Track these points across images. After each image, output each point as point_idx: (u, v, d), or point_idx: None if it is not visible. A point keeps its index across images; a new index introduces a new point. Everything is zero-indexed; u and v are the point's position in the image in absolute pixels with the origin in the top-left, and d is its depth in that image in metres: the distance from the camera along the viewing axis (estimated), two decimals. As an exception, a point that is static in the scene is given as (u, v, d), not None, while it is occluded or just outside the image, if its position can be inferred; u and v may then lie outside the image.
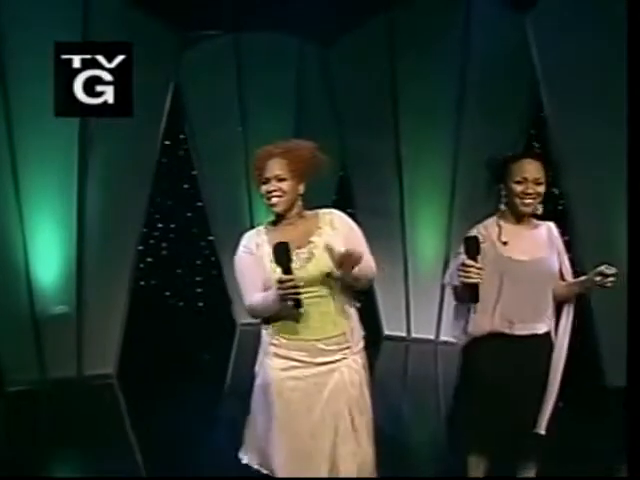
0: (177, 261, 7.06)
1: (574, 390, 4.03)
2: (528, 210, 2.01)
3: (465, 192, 5.00)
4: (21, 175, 3.97)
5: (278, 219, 1.88)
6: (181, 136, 6.32)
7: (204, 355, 5.42)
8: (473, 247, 1.87)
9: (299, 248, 1.80)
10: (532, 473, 2.23)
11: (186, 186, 6.78)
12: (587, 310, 4.16)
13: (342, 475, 1.77)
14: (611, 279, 1.89)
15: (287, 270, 1.71)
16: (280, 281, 1.70)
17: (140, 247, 4.94)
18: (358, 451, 1.80)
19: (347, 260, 1.69)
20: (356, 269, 1.73)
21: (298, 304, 1.73)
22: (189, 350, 5.52)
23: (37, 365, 4.17)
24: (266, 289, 1.78)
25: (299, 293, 1.71)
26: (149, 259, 6.65)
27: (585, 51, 3.80)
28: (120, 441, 3.40)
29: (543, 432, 2.08)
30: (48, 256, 4.11)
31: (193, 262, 7.06)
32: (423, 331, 5.33)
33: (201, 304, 7.16)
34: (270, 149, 1.88)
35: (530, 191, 1.97)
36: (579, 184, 3.97)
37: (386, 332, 5.54)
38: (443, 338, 5.05)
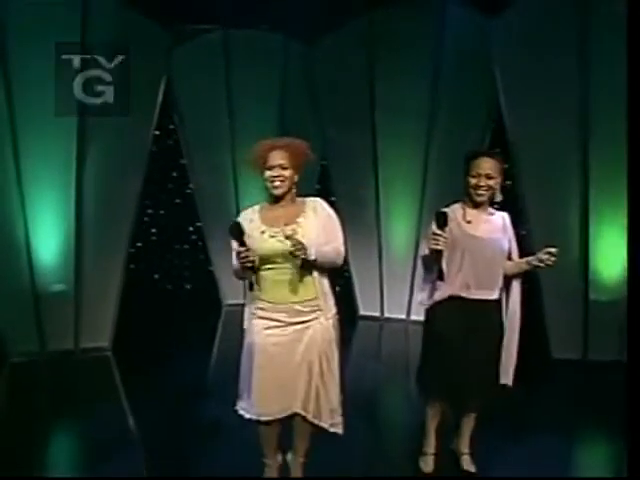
0: (166, 246, 7.33)
1: (524, 362, 4.51)
2: (481, 199, 2.41)
3: (435, 184, 5.37)
4: (23, 159, 4.22)
5: (275, 201, 2.25)
6: (170, 126, 6.54)
7: (192, 332, 5.70)
8: (441, 220, 2.28)
9: (286, 225, 2.19)
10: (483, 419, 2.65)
11: (175, 174, 7.04)
12: (537, 288, 4.61)
13: (312, 405, 2.18)
14: (553, 258, 2.31)
15: (241, 243, 2.13)
16: (237, 252, 2.13)
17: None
18: (325, 389, 2.20)
19: (293, 253, 2.10)
20: (314, 257, 2.13)
21: (252, 269, 2.16)
22: (178, 327, 5.80)
23: (37, 338, 4.44)
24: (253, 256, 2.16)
25: (253, 261, 2.13)
26: (139, 244, 6.90)
27: (540, 61, 4.19)
28: (114, 409, 3.64)
29: (510, 383, 2.49)
30: (48, 236, 4.37)
31: (181, 247, 7.35)
32: (395, 311, 5.71)
33: (189, 286, 7.43)
34: (273, 142, 2.27)
35: (482, 184, 2.38)
36: (534, 177, 4.38)
37: (361, 312, 5.92)
38: (413, 317, 5.45)
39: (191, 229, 7.20)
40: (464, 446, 2.65)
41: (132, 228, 4.71)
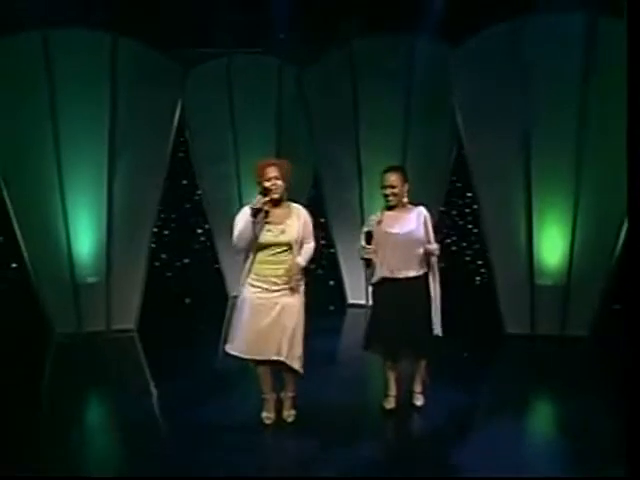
0: (177, 246, 8.15)
1: (481, 336, 5.34)
2: (391, 204, 3.30)
3: (413, 184, 6.23)
4: (64, 168, 5.07)
5: (274, 204, 3.11)
6: (181, 139, 7.36)
7: (202, 319, 6.48)
8: (368, 237, 3.22)
9: (278, 225, 3.07)
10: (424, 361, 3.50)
11: (185, 182, 7.87)
12: (491, 275, 5.45)
13: (284, 353, 3.08)
14: (436, 252, 3.27)
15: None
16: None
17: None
18: (296, 340, 3.13)
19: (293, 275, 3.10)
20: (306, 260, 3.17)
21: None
22: (191, 314, 6.62)
23: (75, 320, 5.30)
24: (250, 240, 3.05)
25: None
26: (153, 245, 7.68)
27: (490, 83, 5.05)
28: (138, 381, 4.42)
29: (440, 333, 3.35)
30: (84, 233, 5.25)
31: (191, 247, 8.17)
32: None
33: (199, 281, 8.17)
34: (269, 161, 3.19)
35: (387, 192, 3.29)
36: (486, 185, 5.23)
37: (350, 301, 6.78)
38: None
39: (200, 231, 8.03)
40: (416, 386, 3.54)
41: (153, 225, 5.57)
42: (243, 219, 3.07)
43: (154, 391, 4.23)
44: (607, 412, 3.64)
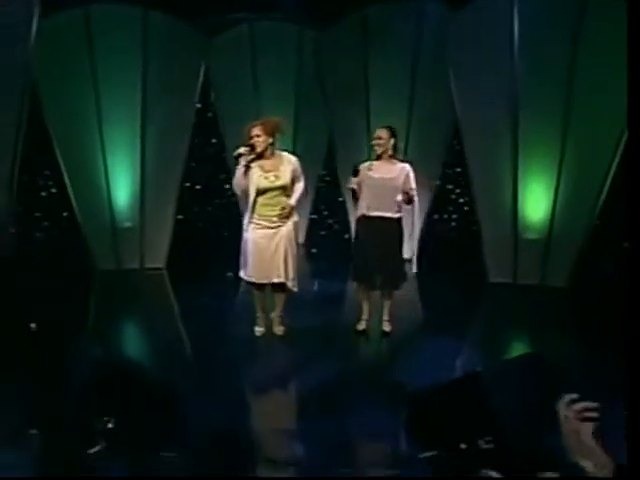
0: (206, 199, 8.91)
1: (467, 284, 5.86)
2: (377, 153, 3.93)
3: (415, 146, 6.73)
4: (105, 127, 5.83)
5: (260, 157, 3.77)
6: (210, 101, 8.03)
7: (226, 264, 7.23)
8: (355, 172, 3.86)
9: (271, 172, 3.72)
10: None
11: (214, 140, 8.56)
12: (478, 228, 5.92)
13: (283, 274, 3.79)
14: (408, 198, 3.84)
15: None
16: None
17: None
18: (291, 265, 3.85)
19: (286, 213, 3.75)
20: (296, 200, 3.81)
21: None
22: (215, 259, 7.12)
23: (115, 259, 6.19)
24: (244, 187, 3.73)
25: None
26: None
27: (483, 52, 5.41)
28: (166, 311, 5.27)
29: (416, 270, 4.00)
30: (121, 183, 6.05)
31: (220, 201, 8.95)
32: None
33: (226, 234, 8.93)
34: (254, 123, 3.83)
35: (374, 142, 3.92)
36: (475, 143, 5.66)
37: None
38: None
39: (227, 186, 8.74)
40: (385, 314, 4.20)
41: (182, 178, 6.32)
42: (237, 173, 3.77)
43: (179, 318, 5.11)
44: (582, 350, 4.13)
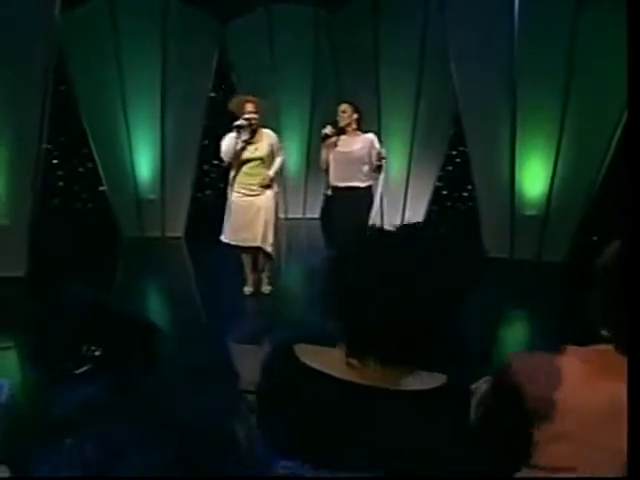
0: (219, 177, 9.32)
1: (463, 260, 6.04)
2: (340, 125, 4.20)
3: (423, 125, 6.92)
4: (129, 111, 6.43)
5: (252, 131, 4.15)
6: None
7: None
8: (324, 138, 4.18)
9: (252, 144, 4.11)
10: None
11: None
12: (475, 205, 6.08)
13: (260, 240, 4.17)
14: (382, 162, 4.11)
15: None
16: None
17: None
18: (270, 232, 4.21)
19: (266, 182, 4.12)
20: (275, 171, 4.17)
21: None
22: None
23: (139, 228, 6.78)
24: (232, 155, 4.12)
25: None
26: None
27: (482, 30, 5.50)
28: (184, 272, 5.89)
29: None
30: (145, 161, 6.63)
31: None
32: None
33: None
34: (247, 97, 4.19)
35: (339, 117, 4.21)
36: (473, 119, 5.80)
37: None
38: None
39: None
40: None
41: (198, 153, 6.82)
42: (229, 142, 4.15)
43: (194, 278, 5.74)
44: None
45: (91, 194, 7.97)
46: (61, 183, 8.01)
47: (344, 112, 4.22)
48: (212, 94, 7.31)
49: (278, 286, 4.63)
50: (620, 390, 0.92)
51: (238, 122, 4.10)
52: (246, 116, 4.10)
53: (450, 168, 8.01)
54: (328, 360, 0.89)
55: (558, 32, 5.23)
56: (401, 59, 6.78)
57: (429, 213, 7.25)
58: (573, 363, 0.99)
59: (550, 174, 5.62)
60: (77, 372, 2.82)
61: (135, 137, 6.57)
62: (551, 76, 5.36)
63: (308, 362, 0.89)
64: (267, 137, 4.23)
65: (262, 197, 4.21)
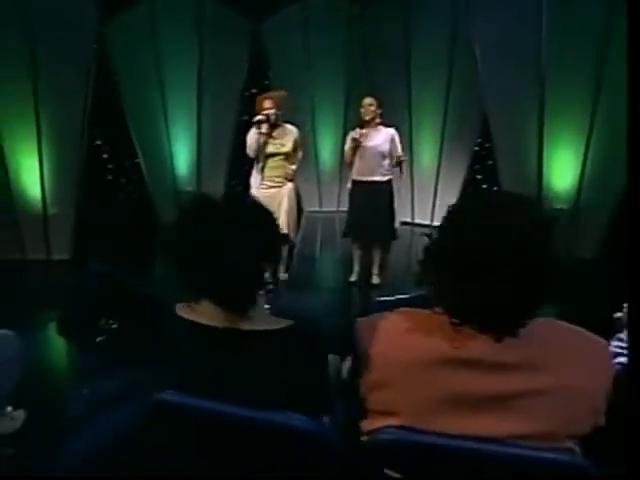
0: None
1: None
2: (364, 119, 4.28)
3: (453, 119, 6.89)
4: (168, 103, 6.80)
5: (272, 127, 4.37)
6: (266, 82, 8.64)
7: None
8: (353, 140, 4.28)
9: (277, 139, 4.32)
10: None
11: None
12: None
13: (286, 226, 4.37)
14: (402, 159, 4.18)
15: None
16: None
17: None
18: (292, 219, 4.46)
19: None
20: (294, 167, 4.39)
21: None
22: None
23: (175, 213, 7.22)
24: (256, 150, 4.35)
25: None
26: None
27: (509, 18, 5.44)
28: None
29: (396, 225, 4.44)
30: (182, 155, 7.02)
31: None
32: (422, 217, 7.49)
33: None
34: (265, 95, 4.42)
35: (363, 110, 4.24)
36: (499, 110, 5.73)
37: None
38: (436, 223, 7.21)
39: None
40: (374, 269, 4.62)
41: (231, 149, 7.11)
42: (252, 137, 4.37)
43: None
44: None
45: (135, 186, 8.45)
46: (110, 176, 8.52)
47: (370, 105, 4.31)
48: (254, 90, 7.59)
49: (295, 273, 4.83)
50: (435, 344, 1.04)
51: (256, 118, 4.31)
52: (264, 112, 4.31)
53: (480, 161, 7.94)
54: (197, 312, 1.20)
55: (590, 22, 5.10)
56: (431, 52, 6.79)
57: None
58: (398, 321, 1.11)
59: (580, 166, 5.50)
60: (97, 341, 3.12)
61: (173, 134, 6.97)
62: (582, 67, 5.24)
63: (184, 315, 1.21)
64: (291, 133, 4.47)
65: (284, 188, 4.46)
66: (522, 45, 5.40)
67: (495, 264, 1.00)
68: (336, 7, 7.66)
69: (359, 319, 1.19)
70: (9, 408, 2.52)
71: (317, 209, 8.36)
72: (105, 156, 8.43)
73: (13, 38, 4.93)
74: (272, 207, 4.17)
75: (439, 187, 7.22)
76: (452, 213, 1.13)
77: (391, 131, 4.35)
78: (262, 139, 4.33)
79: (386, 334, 1.11)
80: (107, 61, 6.21)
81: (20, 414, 2.57)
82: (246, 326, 1.18)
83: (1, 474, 2.35)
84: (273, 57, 7.92)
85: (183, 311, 1.22)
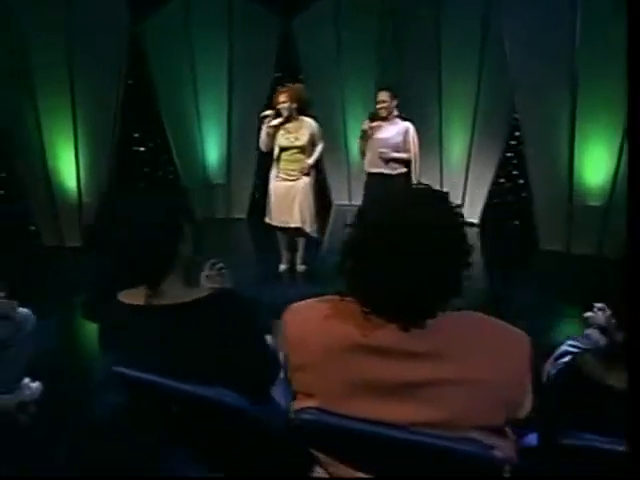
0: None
1: (518, 250, 5.72)
2: (382, 115, 4.27)
3: (484, 112, 6.75)
4: (200, 100, 6.98)
5: (287, 120, 4.43)
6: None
7: None
8: (363, 134, 4.31)
9: (292, 133, 4.39)
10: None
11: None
12: (529, 192, 5.82)
13: (301, 220, 4.45)
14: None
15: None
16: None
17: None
18: (309, 213, 4.48)
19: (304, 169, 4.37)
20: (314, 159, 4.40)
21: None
22: None
23: (209, 210, 7.32)
24: (268, 145, 4.45)
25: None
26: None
27: (541, 14, 5.27)
28: (247, 248, 6.39)
29: None
30: (212, 150, 7.17)
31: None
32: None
33: None
34: (281, 89, 4.47)
35: (378, 106, 4.26)
36: (530, 104, 5.58)
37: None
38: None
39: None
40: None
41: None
42: (262, 132, 4.48)
43: (258, 253, 6.18)
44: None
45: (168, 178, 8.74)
46: (147, 169, 8.85)
47: (384, 102, 4.32)
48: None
49: (315, 266, 4.87)
50: (348, 331, 1.09)
51: (263, 113, 4.40)
52: (278, 106, 4.38)
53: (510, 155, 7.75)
54: (130, 295, 1.50)
55: (624, 16, 4.87)
56: (462, 46, 6.66)
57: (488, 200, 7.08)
58: (320, 308, 1.16)
59: (615, 162, 5.29)
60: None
61: (205, 128, 7.14)
62: (615, 61, 5.01)
63: (122, 299, 1.51)
64: (308, 126, 4.43)
65: (300, 182, 4.45)
66: (554, 40, 5.23)
67: (399, 253, 1.04)
68: (367, 2, 7.63)
69: (288, 308, 1.26)
70: (26, 379, 2.73)
71: (347, 202, 8.37)
72: (142, 149, 8.78)
73: (54, 40, 5.22)
74: (287, 200, 4.28)
75: (468, 183, 7.11)
76: (362, 205, 1.19)
77: (407, 124, 4.35)
78: (271, 132, 4.39)
79: (307, 320, 1.18)
80: (140, 60, 6.44)
81: (38, 385, 2.77)
82: (159, 301, 1.45)
83: (17, 446, 2.54)
84: (304, 52, 7.96)
85: (123, 296, 1.52)
